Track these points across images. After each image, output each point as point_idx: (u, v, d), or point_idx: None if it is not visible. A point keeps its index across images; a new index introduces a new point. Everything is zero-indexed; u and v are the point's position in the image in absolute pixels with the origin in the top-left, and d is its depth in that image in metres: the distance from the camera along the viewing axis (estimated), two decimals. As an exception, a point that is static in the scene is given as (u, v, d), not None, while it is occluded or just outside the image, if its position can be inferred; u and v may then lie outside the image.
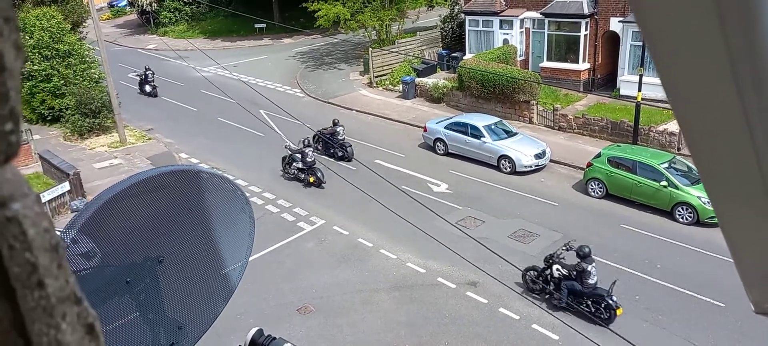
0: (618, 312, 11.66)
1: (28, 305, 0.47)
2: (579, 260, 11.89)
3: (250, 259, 2.17)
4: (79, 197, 18.99)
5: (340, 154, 20.69)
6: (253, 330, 1.95)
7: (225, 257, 2.01)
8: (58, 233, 0.53)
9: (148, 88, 30.14)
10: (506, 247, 14.75)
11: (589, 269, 11.80)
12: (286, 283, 14.20)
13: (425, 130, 21.74)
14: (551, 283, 12.47)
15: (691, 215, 15.52)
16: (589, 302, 11.86)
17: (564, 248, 12.50)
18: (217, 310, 2.00)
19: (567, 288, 12.02)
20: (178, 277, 1.86)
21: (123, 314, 1.74)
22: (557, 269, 12.30)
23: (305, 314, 13.12)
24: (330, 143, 20.96)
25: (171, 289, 1.84)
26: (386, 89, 28.84)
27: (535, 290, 12.87)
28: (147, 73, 30.52)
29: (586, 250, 11.94)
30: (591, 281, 11.86)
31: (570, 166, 19.46)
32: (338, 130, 20.91)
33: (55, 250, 0.50)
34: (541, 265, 12.85)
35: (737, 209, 0.70)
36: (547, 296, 12.64)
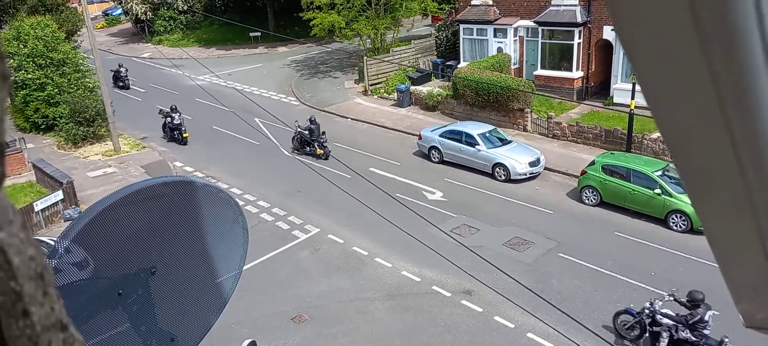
0: None
1: (12, 334, 0.47)
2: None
3: (245, 268, 2.18)
4: (73, 206, 18.89)
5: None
6: (247, 342, 1.94)
7: (218, 267, 2.01)
8: (45, 258, 0.53)
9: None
10: (501, 255, 14.76)
11: (706, 317, 10.69)
12: (281, 292, 14.15)
13: (420, 138, 21.79)
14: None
15: (685, 223, 15.59)
16: (318, 144, 10.55)
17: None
18: (211, 321, 2.00)
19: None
20: (171, 288, 1.86)
21: (115, 326, 1.74)
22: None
23: (300, 323, 13.07)
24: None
25: (164, 300, 1.84)
26: (381, 98, 28.91)
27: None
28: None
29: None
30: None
31: (564, 174, 19.53)
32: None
33: (41, 277, 0.49)
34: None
35: (722, 219, 0.69)
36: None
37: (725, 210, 0.67)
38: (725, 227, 0.70)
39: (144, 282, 1.80)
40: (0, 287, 0.46)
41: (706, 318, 10.70)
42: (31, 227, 17.86)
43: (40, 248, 0.51)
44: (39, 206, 18.16)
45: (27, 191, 20.72)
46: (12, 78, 26.27)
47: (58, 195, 18.68)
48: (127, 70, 34.36)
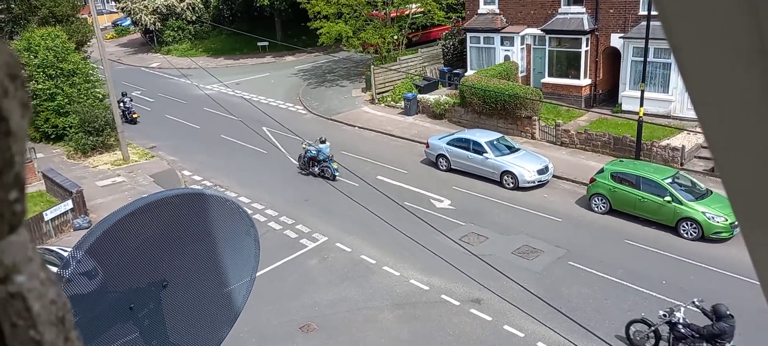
0: None
1: None
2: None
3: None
4: (82, 215, 18.99)
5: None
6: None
7: (230, 280, 1.99)
8: (66, 299, 0.50)
9: (317, 168, 26.09)
10: (510, 263, 14.67)
11: (729, 331, 10.34)
12: (289, 300, 14.12)
13: (427, 146, 21.76)
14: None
15: (696, 231, 15.43)
16: (327, 165, 10.38)
17: (694, 305, 10.96)
18: (222, 334, 1.98)
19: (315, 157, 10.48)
20: (182, 301, 1.84)
21: (126, 340, 1.72)
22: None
23: (308, 332, 13.03)
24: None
25: (175, 314, 1.82)
26: (388, 106, 28.94)
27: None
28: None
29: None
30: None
31: (573, 181, 19.42)
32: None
33: (62, 322, 0.47)
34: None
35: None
36: None
37: None
38: None
39: (155, 296, 1.78)
40: (19, 336, 0.43)
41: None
42: (41, 237, 17.96)
43: (60, 289, 0.48)
44: (49, 215, 18.27)
45: (37, 201, 20.86)
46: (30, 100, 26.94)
47: (68, 204, 18.80)
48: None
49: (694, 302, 11.03)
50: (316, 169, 20.56)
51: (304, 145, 20.75)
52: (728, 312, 10.47)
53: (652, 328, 11.30)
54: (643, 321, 11.55)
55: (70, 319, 0.48)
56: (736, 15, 0.47)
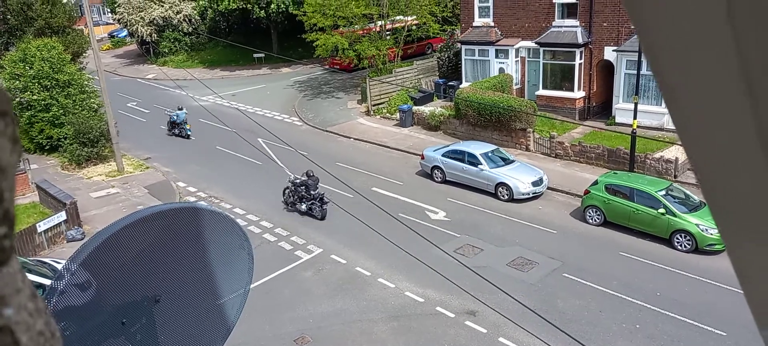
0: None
1: None
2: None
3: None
4: (76, 227, 18.89)
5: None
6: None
7: (223, 294, 2.00)
8: (56, 328, 0.50)
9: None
10: (505, 275, 14.67)
11: (310, 182, 18.64)
12: (284, 313, 14.06)
13: (423, 158, 21.81)
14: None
15: (690, 243, 15.49)
16: (315, 202, 18.49)
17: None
18: (215, 349, 1.99)
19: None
20: (175, 316, 1.85)
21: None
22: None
23: (302, 345, 12.96)
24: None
25: (168, 328, 1.83)
26: (384, 118, 29.02)
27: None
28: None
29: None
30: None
31: (567, 193, 19.49)
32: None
33: None
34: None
35: (752, 247, 0.66)
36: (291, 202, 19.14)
37: (756, 238, 0.63)
38: (755, 256, 0.67)
39: (148, 311, 1.79)
40: None
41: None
42: (34, 248, 17.85)
43: (50, 317, 0.48)
44: (42, 226, 18.18)
45: (30, 212, 20.75)
46: (20, 106, 26.02)
47: (62, 216, 18.70)
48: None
49: (305, 173, 18.62)
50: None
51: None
52: (313, 174, 18.50)
53: (288, 188, 19.08)
54: (288, 187, 19.13)
55: None
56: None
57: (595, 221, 17.34)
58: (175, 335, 1.86)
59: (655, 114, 22.62)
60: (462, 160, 20.40)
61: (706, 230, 15.26)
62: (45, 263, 14.55)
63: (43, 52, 27.01)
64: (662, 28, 0.51)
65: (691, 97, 0.54)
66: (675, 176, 19.39)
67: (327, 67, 39.06)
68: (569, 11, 25.09)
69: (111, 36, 60.00)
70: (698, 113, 0.55)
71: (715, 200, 0.63)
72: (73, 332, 1.65)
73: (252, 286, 2.15)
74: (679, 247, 15.68)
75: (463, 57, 28.53)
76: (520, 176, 19.29)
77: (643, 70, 20.68)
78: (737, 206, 0.62)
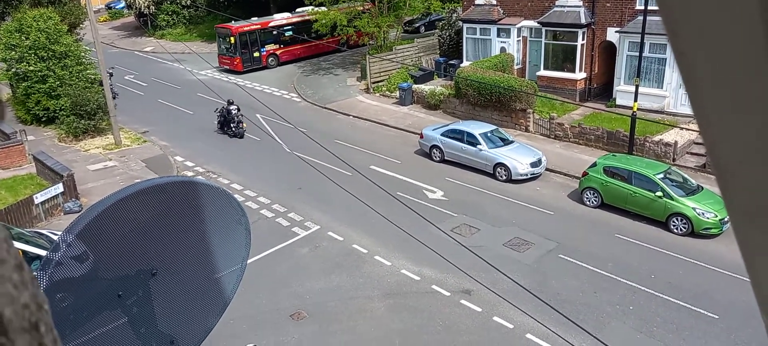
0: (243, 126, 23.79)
1: None
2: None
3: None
4: (73, 199, 18.88)
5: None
6: None
7: (220, 269, 1.99)
8: (44, 300, 0.47)
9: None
10: (501, 255, 14.75)
11: (232, 109, 23.76)
12: (280, 288, 14.15)
13: (421, 137, 21.76)
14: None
15: (686, 226, 15.56)
16: (232, 126, 23.33)
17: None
18: (211, 323, 1.98)
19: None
20: (171, 290, 1.84)
21: (114, 328, 1.72)
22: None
23: (298, 320, 13.07)
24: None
25: (164, 302, 1.82)
26: (383, 95, 28.88)
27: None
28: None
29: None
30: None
31: (566, 175, 19.51)
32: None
33: (36, 328, 0.44)
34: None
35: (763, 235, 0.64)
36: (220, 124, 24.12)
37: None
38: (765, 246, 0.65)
39: (144, 283, 1.77)
40: None
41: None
42: (31, 220, 17.85)
43: (37, 288, 0.46)
44: (39, 198, 18.16)
45: (27, 183, 20.71)
46: (16, 77, 25.78)
47: (59, 188, 18.67)
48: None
49: (228, 102, 24.00)
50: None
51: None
52: (233, 102, 24.00)
53: (220, 114, 24.24)
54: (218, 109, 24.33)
55: (46, 323, 0.45)
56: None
57: (592, 202, 17.38)
58: (172, 308, 1.85)
59: (656, 97, 22.54)
60: (461, 140, 20.36)
61: (703, 213, 15.31)
62: (42, 234, 14.57)
63: (39, 23, 26.68)
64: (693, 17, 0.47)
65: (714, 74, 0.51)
66: (674, 160, 19.40)
67: (216, 66, 34.95)
68: (572, -9, 24.81)
69: (108, 7, 59.26)
70: (720, 94, 0.52)
71: (728, 184, 0.61)
72: (69, 304, 1.64)
73: (248, 261, 2.14)
74: (675, 230, 15.75)
75: (465, 35, 28.28)
76: (518, 157, 19.28)
77: (646, 53, 20.53)
78: (753, 192, 0.60)
